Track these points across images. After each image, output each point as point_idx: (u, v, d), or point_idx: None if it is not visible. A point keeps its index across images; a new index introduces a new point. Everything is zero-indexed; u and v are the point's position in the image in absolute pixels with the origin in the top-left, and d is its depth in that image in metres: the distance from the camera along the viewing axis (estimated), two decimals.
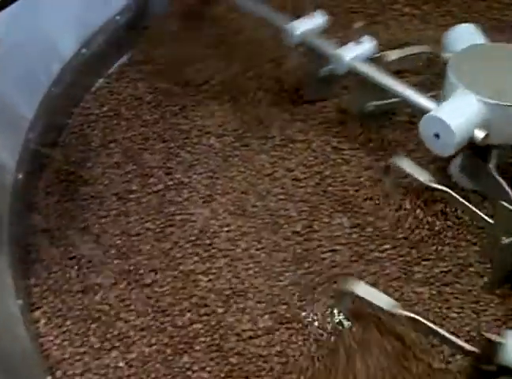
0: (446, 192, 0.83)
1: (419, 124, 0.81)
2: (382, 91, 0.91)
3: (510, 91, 0.81)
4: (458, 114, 0.79)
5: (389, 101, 0.94)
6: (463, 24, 0.95)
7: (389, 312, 0.72)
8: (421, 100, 0.85)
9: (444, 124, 0.78)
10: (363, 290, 0.74)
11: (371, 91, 0.94)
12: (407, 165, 0.86)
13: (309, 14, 0.98)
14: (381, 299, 0.73)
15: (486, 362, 0.69)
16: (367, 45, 0.93)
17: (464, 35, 0.93)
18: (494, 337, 0.68)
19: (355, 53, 0.92)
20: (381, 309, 0.72)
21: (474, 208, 0.82)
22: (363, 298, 0.73)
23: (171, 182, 0.93)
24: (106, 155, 0.98)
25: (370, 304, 0.73)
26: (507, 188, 0.81)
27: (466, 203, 0.82)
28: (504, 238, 0.76)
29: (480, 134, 0.79)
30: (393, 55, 0.94)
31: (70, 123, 1.03)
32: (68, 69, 1.00)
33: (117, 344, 0.77)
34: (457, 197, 0.83)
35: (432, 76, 1.01)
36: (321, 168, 0.94)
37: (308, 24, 0.97)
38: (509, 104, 0.80)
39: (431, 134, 0.79)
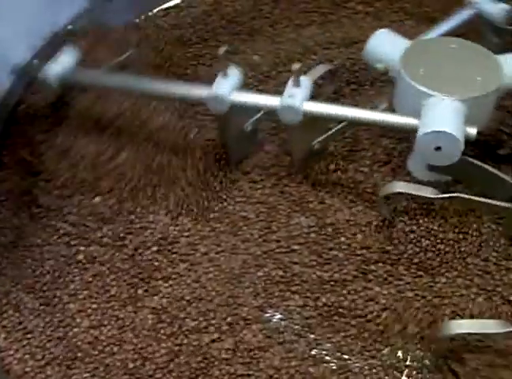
0: (457, 197, 0.83)
1: (415, 143, 0.79)
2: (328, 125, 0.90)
3: (471, 82, 0.83)
4: (451, 120, 0.79)
5: (333, 130, 0.91)
6: (378, 32, 0.93)
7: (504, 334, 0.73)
8: (403, 120, 0.82)
9: (447, 135, 0.77)
10: (467, 326, 0.74)
11: (317, 129, 0.90)
12: (405, 187, 0.84)
13: (222, 73, 0.86)
14: (488, 326, 0.74)
15: None
16: (305, 84, 0.85)
17: (385, 42, 0.92)
18: None
19: (301, 96, 0.84)
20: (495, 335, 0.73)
21: (490, 201, 0.82)
22: (471, 333, 0.74)
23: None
24: (61, 167, 0.96)
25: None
26: (496, 172, 0.83)
27: (479, 199, 0.83)
28: None
29: (473, 131, 0.79)
30: None
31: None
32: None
33: (79, 355, 0.77)
34: (470, 197, 0.83)
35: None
36: (276, 169, 0.94)
37: (231, 83, 0.86)
38: (480, 94, 0.81)
39: (432, 149, 0.78)
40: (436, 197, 0.83)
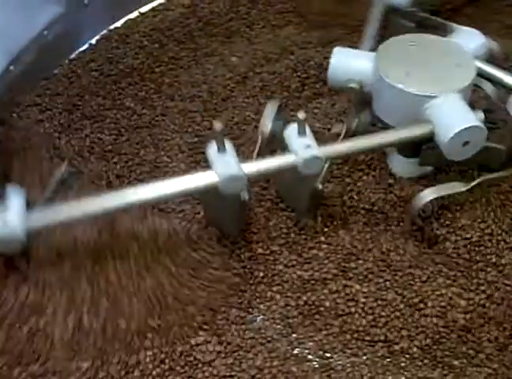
0: (483, 180, 0.87)
1: (444, 144, 0.80)
2: None
3: (455, 71, 0.84)
4: (467, 113, 0.80)
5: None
6: (335, 52, 0.90)
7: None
8: (417, 130, 0.83)
9: (474, 128, 0.79)
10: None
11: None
12: (436, 191, 0.84)
13: (219, 149, 0.78)
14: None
15: None
16: (308, 130, 0.80)
17: (347, 61, 0.90)
18: None
19: (315, 143, 0.79)
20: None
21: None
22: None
23: None
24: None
25: None
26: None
27: (503, 173, 0.86)
28: None
29: (481, 114, 0.82)
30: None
31: None
32: None
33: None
34: (492, 175, 0.87)
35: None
36: None
37: (234, 158, 0.78)
38: (471, 79, 0.83)
39: (460, 146, 0.80)
40: (467, 188, 0.85)
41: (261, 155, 0.84)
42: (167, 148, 0.99)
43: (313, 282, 0.83)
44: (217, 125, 0.76)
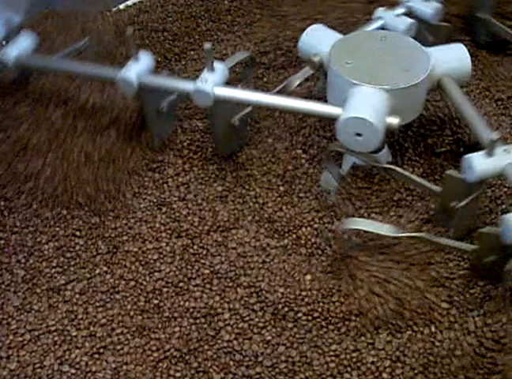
0: (394, 169, 0.84)
1: (336, 128, 0.81)
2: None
3: (398, 72, 0.84)
4: (371, 108, 0.80)
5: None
6: (313, 26, 0.95)
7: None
8: (327, 109, 0.84)
9: (365, 122, 0.78)
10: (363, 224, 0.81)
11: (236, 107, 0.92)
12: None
13: (134, 57, 0.90)
14: (383, 227, 0.80)
15: (487, 254, 0.78)
16: (219, 69, 0.88)
17: (319, 36, 0.94)
18: (489, 229, 0.76)
19: (213, 81, 0.86)
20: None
21: (421, 180, 0.84)
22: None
23: None
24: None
25: None
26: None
27: (413, 177, 0.84)
28: (454, 202, 0.81)
29: (394, 121, 0.81)
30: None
31: None
32: None
33: None
34: (405, 173, 0.84)
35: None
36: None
37: (142, 65, 0.90)
38: (406, 85, 0.83)
39: (352, 135, 0.80)
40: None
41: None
42: None
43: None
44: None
